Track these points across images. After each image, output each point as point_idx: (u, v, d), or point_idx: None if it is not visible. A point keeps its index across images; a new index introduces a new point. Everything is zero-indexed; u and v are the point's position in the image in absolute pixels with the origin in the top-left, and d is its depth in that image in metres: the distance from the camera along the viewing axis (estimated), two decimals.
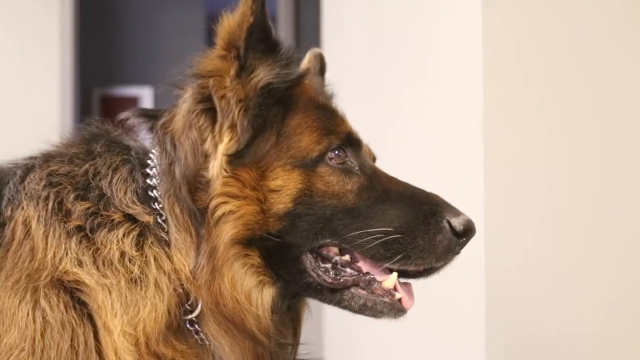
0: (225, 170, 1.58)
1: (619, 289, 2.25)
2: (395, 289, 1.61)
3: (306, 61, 1.86)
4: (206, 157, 1.60)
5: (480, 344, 2.23)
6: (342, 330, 3.56)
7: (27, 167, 1.64)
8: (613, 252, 2.25)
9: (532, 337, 2.25)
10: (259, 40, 1.62)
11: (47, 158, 1.66)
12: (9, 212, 1.58)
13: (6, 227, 1.57)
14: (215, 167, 1.58)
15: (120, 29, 8.54)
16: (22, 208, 1.57)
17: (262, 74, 1.62)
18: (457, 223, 1.59)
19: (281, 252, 1.59)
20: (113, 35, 8.52)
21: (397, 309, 1.61)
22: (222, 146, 1.59)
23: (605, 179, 2.26)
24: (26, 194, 1.58)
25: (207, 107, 1.62)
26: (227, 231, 1.56)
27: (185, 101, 1.64)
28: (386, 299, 1.61)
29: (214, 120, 1.61)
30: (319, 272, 1.61)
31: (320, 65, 1.90)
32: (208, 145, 1.60)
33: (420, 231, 1.59)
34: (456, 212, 1.61)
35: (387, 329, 2.76)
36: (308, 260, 1.61)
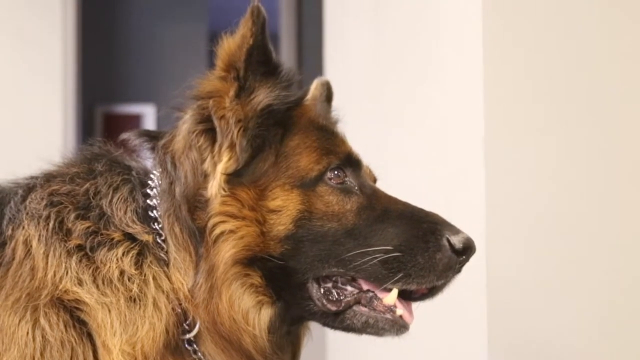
0: (224, 190, 1.58)
1: (621, 294, 2.25)
2: (395, 305, 1.61)
3: (313, 88, 1.87)
4: (205, 176, 1.61)
5: (483, 351, 2.23)
6: (345, 349, 3.54)
7: (29, 187, 1.65)
8: (615, 258, 2.25)
9: (533, 343, 2.25)
10: (259, 62, 1.63)
11: (49, 178, 1.66)
12: (9, 232, 1.58)
13: (7, 247, 1.57)
14: (214, 187, 1.59)
15: (123, 46, 8.56)
16: (23, 227, 1.57)
17: (262, 96, 1.63)
18: (456, 241, 1.59)
19: (285, 277, 1.59)
20: (116, 53, 8.54)
21: (399, 326, 1.61)
22: (221, 165, 1.59)
23: (608, 186, 2.26)
24: (27, 214, 1.59)
25: (207, 128, 1.63)
26: (227, 250, 1.56)
27: (186, 122, 1.65)
28: (388, 316, 1.61)
29: (213, 141, 1.62)
30: (324, 301, 1.61)
31: (327, 93, 1.91)
32: (207, 164, 1.61)
33: (419, 249, 1.59)
34: (455, 231, 1.61)
35: (391, 348, 2.75)
36: (314, 288, 1.61)
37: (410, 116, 2.84)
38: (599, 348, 2.24)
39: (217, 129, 1.61)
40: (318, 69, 4.47)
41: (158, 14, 8.63)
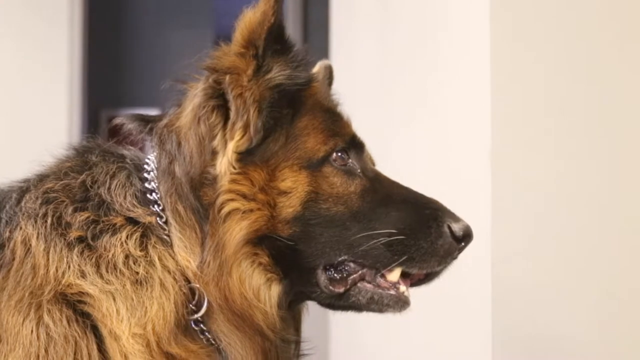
0: (234, 167, 1.57)
1: (627, 288, 2.24)
2: (399, 282, 1.62)
3: (316, 71, 1.86)
4: (214, 154, 1.59)
5: (487, 343, 2.23)
6: (348, 327, 3.55)
7: (22, 189, 1.64)
8: (621, 250, 2.25)
9: (538, 336, 2.25)
10: (275, 40, 1.62)
11: (41, 178, 1.65)
12: (7, 234, 1.57)
13: (6, 248, 1.56)
14: (224, 164, 1.58)
15: (128, 51, 8.57)
16: (21, 228, 1.56)
17: (276, 75, 1.62)
18: (457, 228, 1.62)
19: (295, 259, 1.59)
20: (121, 58, 8.55)
21: (402, 302, 1.63)
22: (233, 144, 1.58)
23: (614, 179, 2.26)
24: (23, 214, 1.58)
25: (219, 104, 1.61)
26: (238, 230, 1.55)
27: (196, 96, 1.63)
28: (392, 292, 1.62)
29: (225, 117, 1.60)
30: (330, 287, 1.61)
31: (329, 77, 1.91)
32: (217, 142, 1.59)
33: (422, 234, 1.61)
34: (456, 218, 1.64)
35: (393, 327, 2.76)
36: (322, 276, 1.61)
37: (417, 120, 2.84)
38: (605, 341, 2.23)
39: (232, 107, 1.59)
40: None
41: (164, 19, 8.64)
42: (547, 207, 2.25)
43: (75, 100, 6.15)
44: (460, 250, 1.64)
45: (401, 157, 2.85)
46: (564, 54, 2.26)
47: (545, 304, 2.24)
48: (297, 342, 1.69)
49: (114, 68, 8.56)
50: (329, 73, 1.90)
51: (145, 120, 1.71)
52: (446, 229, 1.61)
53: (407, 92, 2.93)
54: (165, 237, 1.58)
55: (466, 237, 1.63)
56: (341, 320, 3.62)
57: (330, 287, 1.61)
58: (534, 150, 2.25)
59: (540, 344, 2.25)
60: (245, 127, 1.58)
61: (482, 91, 2.27)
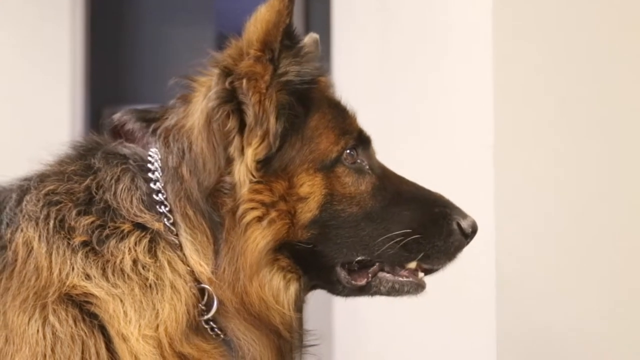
0: (253, 176, 1.56)
1: (630, 286, 2.24)
2: (417, 269, 1.67)
3: (305, 42, 1.79)
4: (229, 160, 1.58)
5: (491, 336, 2.24)
6: (352, 317, 3.55)
7: (22, 190, 1.62)
8: (625, 246, 2.25)
9: (541, 332, 2.25)
10: (286, 36, 1.59)
11: (42, 178, 1.63)
12: (8, 235, 1.56)
13: (7, 249, 1.55)
14: (242, 172, 1.56)
15: (130, 49, 8.57)
16: (21, 230, 1.55)
17: (289, 77, 1.60)
18: (466, 225, 1.66)
19: (314, 260, 1.61)
20: (124, 55, 8.54)
21: (421, 287, 1.68)
22: (251, 151, 1.56)
23: (617, 175, 2.27)
24: (24, 216, 1.57)
25: (234, 108, 1.58)
26: (260, 239, 1.55)
27: (209, 99, 1.60)
28: (412, 279, 1.67)
29: (240, 122, 1.58)
30: (352, 282, 1.64)
31: (317, 50, 1.85)
32: (233, 148, 1.58)
33: (435, 233, 1.64)
34: (464, 215, 1.67)
35: (398, 318, 2.77)
36: (342, 273, 1.64)
37: (419, 117, 2.83)
38: (608, 338, 2.23)
39: (250, 113, 1.56)
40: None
41: (165, 17, 8.64)
42: (550, 203, 2.25)
43: (78, 98, 6.15)
44: (467, 244, 1.67)
45: (403, 155, 2.84)
46: (566, 52, 2.27)
47: (548, 299, 2.24)
48: (301, 333, 1.69)
49: (116, 65, 8.55)
50: (316, 46, 1.85)
51: (146, 120, 1.69)
52: (455, 226, 1.65)
53: (409, 90, 2.93)
54: (173, 239, 1.57)
55: (474, 232, 1.67)
56: (345, 311, 3.63)
57: (352, 282, 1.64)
58: (537, 146, 2.25)
59: (544, 339, 2.25)
60: (265, 134, 1.57)
61: (485, 88, 2.27)
